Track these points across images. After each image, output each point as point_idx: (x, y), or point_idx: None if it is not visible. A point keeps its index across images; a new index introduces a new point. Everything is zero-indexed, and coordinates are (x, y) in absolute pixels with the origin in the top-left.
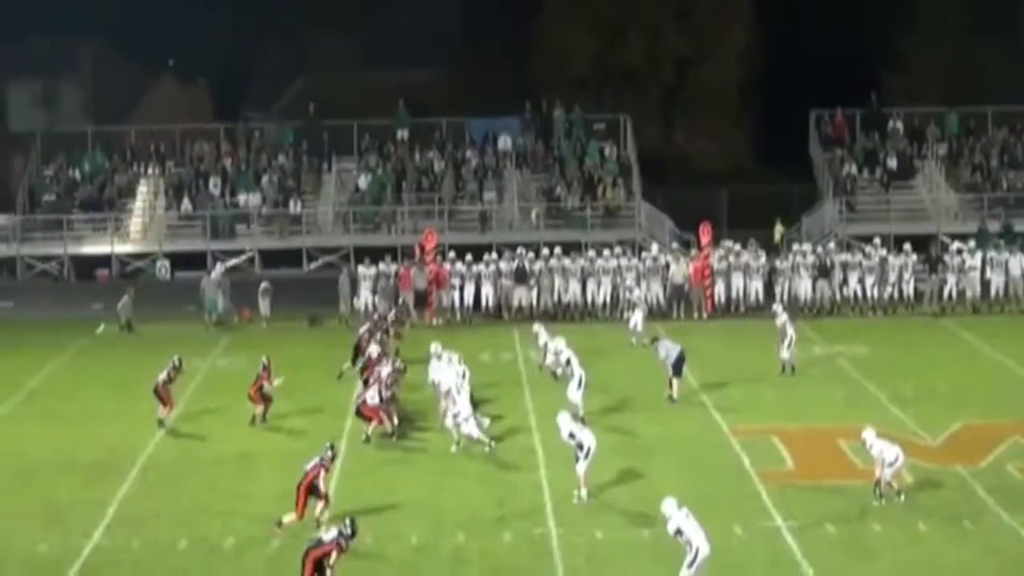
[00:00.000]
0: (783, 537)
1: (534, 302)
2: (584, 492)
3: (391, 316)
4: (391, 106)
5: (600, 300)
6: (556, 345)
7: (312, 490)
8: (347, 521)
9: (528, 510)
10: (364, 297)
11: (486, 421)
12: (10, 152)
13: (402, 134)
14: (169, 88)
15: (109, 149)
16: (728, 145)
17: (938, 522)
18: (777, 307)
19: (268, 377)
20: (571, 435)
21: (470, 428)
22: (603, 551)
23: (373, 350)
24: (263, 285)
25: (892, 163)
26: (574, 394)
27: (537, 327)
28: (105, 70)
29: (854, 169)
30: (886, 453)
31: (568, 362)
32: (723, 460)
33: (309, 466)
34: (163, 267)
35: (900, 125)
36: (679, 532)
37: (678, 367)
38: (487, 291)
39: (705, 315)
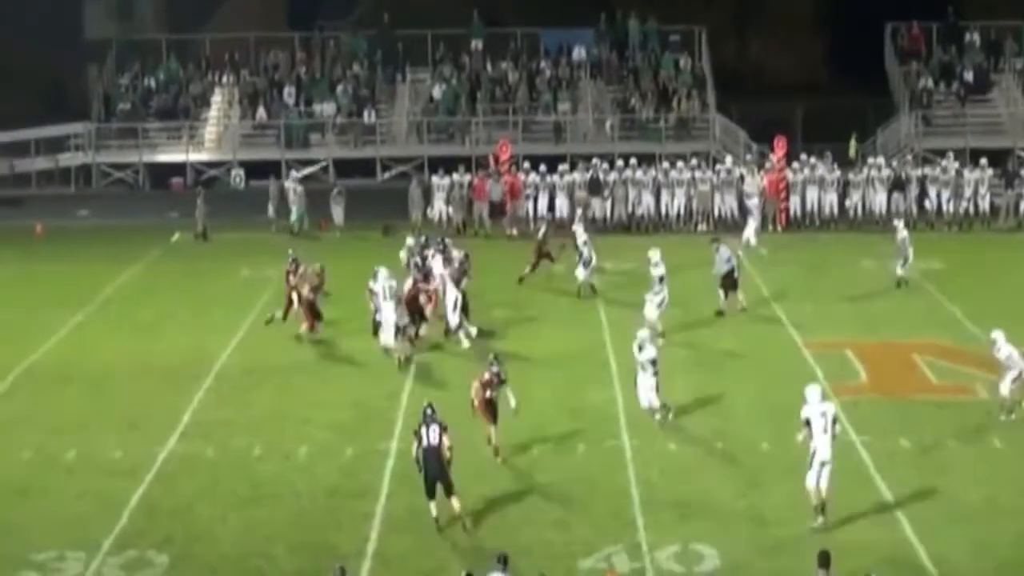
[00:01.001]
0: (857, 451)
1: (608, 213)
2: (662, 413)
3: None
4: (465, 16)
5: (674, 212)
6: (653, 256)
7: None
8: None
9: (602, 423)
10: (438, 207)
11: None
12: (85, 61)
13: (476, 44)
14: None
15: (184, 58)
16: (803, 58)
17: (1013, 438)
18: (899, 223)
19: (295, 272)
20: (653, 362)
21: (386, 338)
22: (676, 464)
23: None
24: (335, 190)
25: (968, 77)
26: (652, 311)
27: (577, 226)
28: None
29: (930, 83)
30: (1015, 358)
31: (661, 280)
32: (797, 373)
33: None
34: (237, 176)
35: (977, 38)
36: (808, 423)
37: (728, 278)
38: (561, 202)
39: (779, 228)
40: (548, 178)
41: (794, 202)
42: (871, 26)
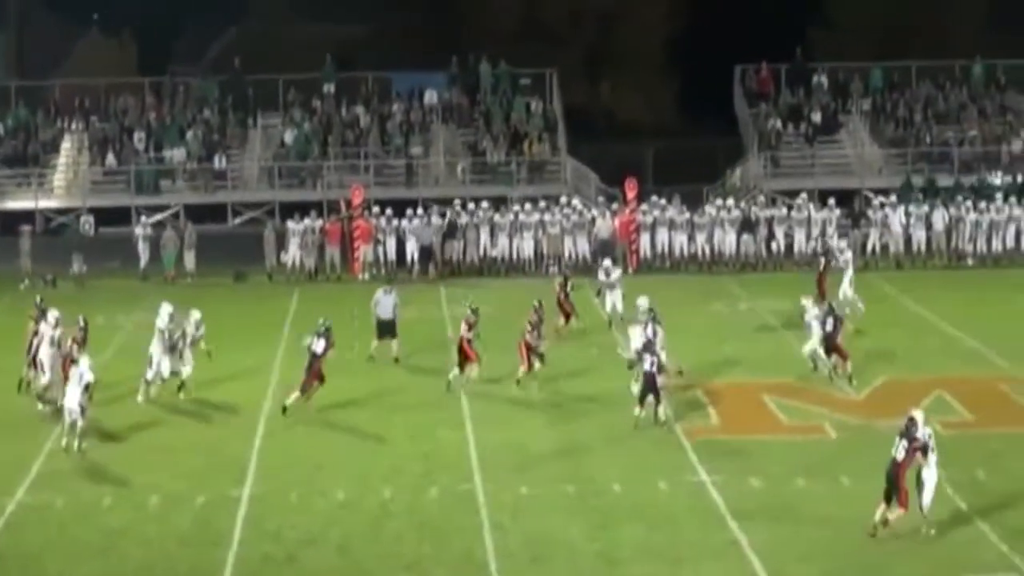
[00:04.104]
0: (708, 491)
1: (460, 256)
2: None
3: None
4: (318, 60)
5: (525, 255)
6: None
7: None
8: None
9: (454, 466)
10: (292, 252)
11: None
12: None
13: (328, 88)
14: (95, 42)
15: (33, 104)
16: (653, 100)
17: (861, 476)
18: (843, 243)
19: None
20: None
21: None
22: (528, 506)
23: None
24: (187, 236)
25: (816, 118)
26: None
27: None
28: (30, 24)
29: (778, 124)
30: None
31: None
32: (648, 416)
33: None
34: (87, 222)
35: (825, 80)
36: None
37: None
38: (411, 246)
39: (630, 270)
40: (394, 222)
41: (644, 243)
42: (720, 68)
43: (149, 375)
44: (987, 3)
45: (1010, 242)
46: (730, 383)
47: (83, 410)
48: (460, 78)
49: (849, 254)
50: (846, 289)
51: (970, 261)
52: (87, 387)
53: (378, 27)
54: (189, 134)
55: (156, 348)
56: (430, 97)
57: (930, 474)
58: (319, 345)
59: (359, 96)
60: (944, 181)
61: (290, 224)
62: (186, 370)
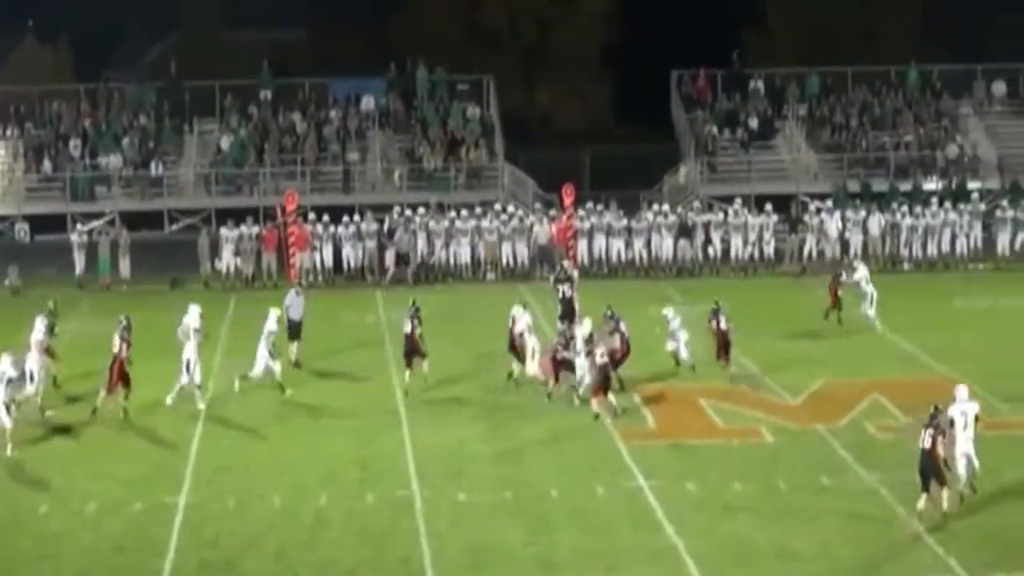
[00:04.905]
0: (644, 496)
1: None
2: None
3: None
4: (255, 66)
5: (462, 262)
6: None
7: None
8: None
9: (391, 472)
10: (226, 259)
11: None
12: None
13: (265, 94)
14: (30, 48)
15: None
16: (590, 105)
17: (798, 479)
18: (857, 262)
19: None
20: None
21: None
22: (466, 513)
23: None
24: (122, 243)
25: (753, 123)
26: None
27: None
28: None
29: (715, 129)
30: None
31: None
32: (585, 420)
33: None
34: (22, 230)
35: (761, 85)
36: (952, 422)
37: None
38: (348, 252)
39: None
40: (330, 228)
41: (582, 248)
42: (657, 74)
43: (196, 379)
44: (921, 9)
45: (945, 246)
46: (667, 387)
47: (8, 408)
48: (397, 84)
49: (868, 286)
50: (868, 311)
51: (906, 265)
52: (9, 382)
53: (315, 33)
54: (125, 140)
55: (191, 352)
56: (367, 103)
57: (970, 447)
58: (408, 326)
59: (296, 102)
60: (880, 186)
61: (223, 231)
62: (276, 367)
